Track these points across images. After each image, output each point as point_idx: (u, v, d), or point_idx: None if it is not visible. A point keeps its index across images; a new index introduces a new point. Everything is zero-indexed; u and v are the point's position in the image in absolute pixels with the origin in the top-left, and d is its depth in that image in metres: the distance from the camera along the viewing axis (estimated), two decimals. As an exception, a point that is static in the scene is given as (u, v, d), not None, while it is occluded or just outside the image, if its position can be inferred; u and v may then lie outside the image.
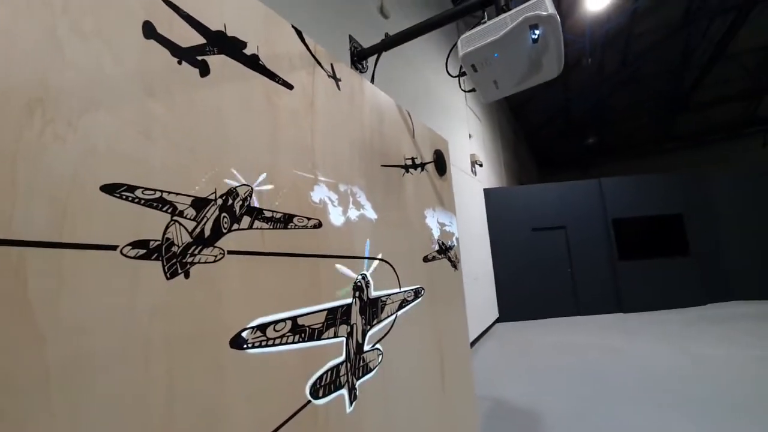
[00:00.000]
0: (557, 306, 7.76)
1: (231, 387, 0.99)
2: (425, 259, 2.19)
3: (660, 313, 7.44)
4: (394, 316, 1.77)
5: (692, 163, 16.17)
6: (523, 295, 7.75)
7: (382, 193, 1.86)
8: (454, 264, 2.62)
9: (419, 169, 2.30)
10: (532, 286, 7.80)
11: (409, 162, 2.19)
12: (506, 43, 1.73)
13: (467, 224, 6.49)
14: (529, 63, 1.82)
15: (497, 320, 7.54)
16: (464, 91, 2.87)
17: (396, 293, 1.82)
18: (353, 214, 1.60)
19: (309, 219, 1.36)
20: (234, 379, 1.01)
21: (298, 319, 1.25)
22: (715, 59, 10.49)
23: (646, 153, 17.34)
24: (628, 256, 7.78)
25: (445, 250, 2.48)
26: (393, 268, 1.83)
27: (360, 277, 1.58)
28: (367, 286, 1.61)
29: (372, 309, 1.62)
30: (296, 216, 1.31)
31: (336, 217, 1.49)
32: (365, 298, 1.58)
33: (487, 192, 8.00)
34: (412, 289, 1.96)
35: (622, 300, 7.64)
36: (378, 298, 1.67)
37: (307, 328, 1.28)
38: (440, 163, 2.61)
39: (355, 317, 1.51)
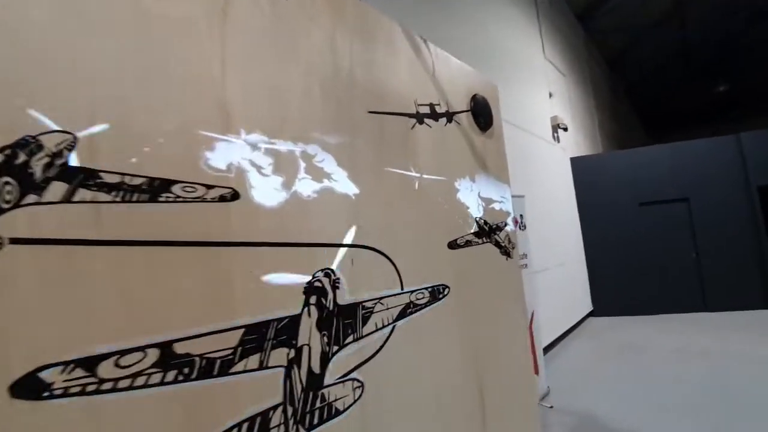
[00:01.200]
0: (674, 299, 6.22)
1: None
2: (453, 246, 1.56)
3: (835, 310, 5.48)
4: (388, 329, 1.21)
5: None
6: (626, 284, 6.37)
7: (371, 155, 1.29)
8: (506, 251, 1.93)
9: (444, 120, 1.66)
10: (637, 274, 6.36)
11: (426, 109, 1.57)
12: None
13: (548, 201, 5.46)
14: None
15: (590, 314, 6.35)
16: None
17: (393, 295, 1.25)
18: (309, 186, 1.07)
19: (209, 188, 0.88)
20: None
21: (177, 346, 0.79)
22: None
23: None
24: (782, 235, 5.85)
25: (489, 232, 1.81)
26: (389, 260, 1.27)
27: (320, 274, 1.06)
28: (335, 287, 1.08)
29: (344, 320, 1.09)
30: (179, 183, 0.83)
31: (267, 190, 0.98)
32: (329, 306, 1.06)
33: (576, 162, 6.71)
34: (424, 289, 1.38)
35: (772, 292, 5.80)
36: (357, 304, 1.14)
37: (199, 360, 0.81)
38: (482, 114, 1.91)
39: (308, 335, 1.00)
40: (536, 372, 3.47)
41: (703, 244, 6.20)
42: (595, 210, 6.65)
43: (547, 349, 4.46)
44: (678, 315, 6.11)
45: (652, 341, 4.86)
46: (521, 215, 3.87)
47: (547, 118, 5.89)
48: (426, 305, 1.37)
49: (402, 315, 1.26)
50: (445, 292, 1.46)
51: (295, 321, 0.98)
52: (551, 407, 3.24)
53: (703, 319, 5.76)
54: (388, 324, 1.21)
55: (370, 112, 1.32)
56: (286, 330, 0.96)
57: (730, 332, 4.94)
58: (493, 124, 2.00)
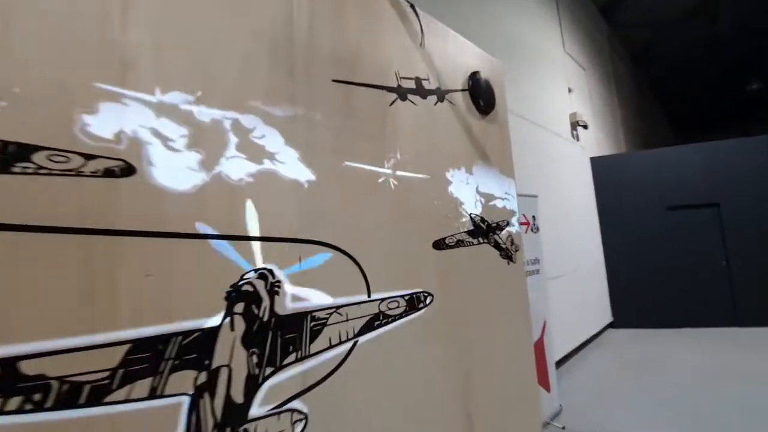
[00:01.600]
0: (703, 312, 5.75)
1: None
2: (439, 245, 1.32)
3: None
4: (346, 346, 0.98)
5: None
6: (649, 294, 5.93)
7: (334, 133, 1.06)
8: (508, 254, 1.67)
9: (433, 98, 1.42)
10: (662, 283, 5.92)
11: (410, 84, 1.33)
12: None
13: (565, 202, 5.12)
14: None
15: (609, 325, 5.94)
16: None
17: (356, 304, 1.02)
18: (241, 166, 0.86)
19: (88, 159, 0.67)
20: None
21: (25, 364, 0.58)
22: None
23: None
24: (827, 244, 5.32)
25: (486, 231, 1.56)
26: (353, 260, 1.04)
27: (253, 275, 0.83)
28: (273, 293, 0.86)
29: (284, 335, 0.87)
30: (44, 150, 0.63)
31: (177, 168, 0.76)
32: (263, 315, 0.84)
33: (596, 161, 6.32)
34: (399, 296, 1.14)
35: (814, 307, 5.28)
36: (304, 315, 0.91)
37: (57, 384, 0.60)
38: (482, 95, 1.66)
39: (228, 354, 0.78)
40: (547, 388, 3.17)
41: (735, 251, 5.72)
42: (616, 213, 6.24)
43: (560, 363, 4.13)
44: (706, 329, 5.64)
45: (676, 358, 4.46)
46: (534, 216, 3.58)
47: (565, 115, 5.55)
48: (401, 316, 1.13)
49: (367, 328, 1.03)
50: (427, 301, 1.22)
51: (209, 335, 0.76)
52: (563, 428, 2.94)
53: (734, 334, 5.29)
54: (348, 339, 0.98)
55: (335, 81, 1.09)
56: (196, 347, 0.74)
57: (764, 351, 4.49)
58: (495, 108, 1.74)
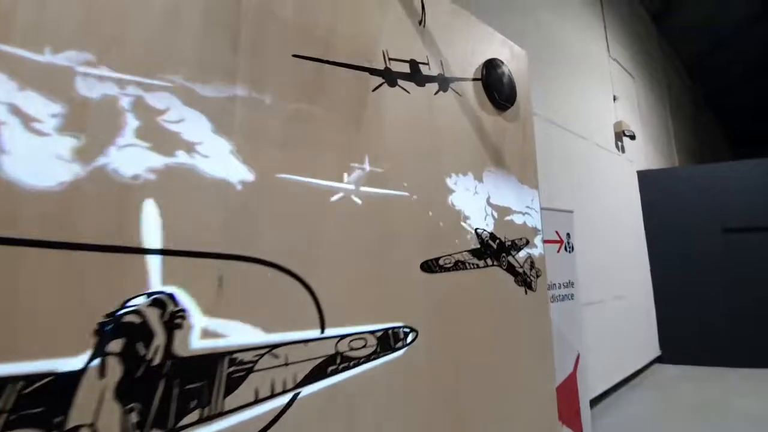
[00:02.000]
0: (770, 350, 5.00)
1: None
2: (430, 268, 1.05)
3: None
4: (282, 400, 0.74)
5: None
6: (705, 326, 5.23)
7: (287, 121, 0.84)
8: (525, 280, 1.37)
9: (433, 86, 1.17)
10: (720, 314, 5.20)
11: (402, 67, 1.09)
12: None
13: (606, 220, 4.63)
14: None
15: (657, 360, 5.28)
16: None
17: (301, 342, 0.78)
18: (138, 158, 0.65)
19: None
20: None
21: None
22: None
23: None
24: None
25: (498, 251, 1.28)
26: (301, 283, 0.80)
27: (142, 301, 0.62)
28: (172, 326, 0.64)
29: (184, 384, 0.64)
30: None
31: (40, 158, 0.56)
32: (153, 357, 0.62)
33: (644, 176, 5.74)
34: (368, 332, 0.88)
35: None
36: (219, 356, 0.68)
37: None
38: (498, 87, 1.39)
39: (92, 409, 0.56)
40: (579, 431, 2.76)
41: (814, 285, 4.93)
42: (667, 234, 5.62)
43: (595, 402, 3.64)
44: (775, 372, 4.86)
45: (736, 403, 3.82)
46: (568, 234, 3.21)
47: (609, 124, 5.08)
48: (369, 359, 0.87)
49: (317, 375, 0.78)
50: (409, 339, 0.95)
51: (67, 382, 0.55)
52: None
53: (812, 381, 4.51)
54: (285, 391, 0.74)
55: (296, 56, 0.87)
56: (45, 397, 0.53)
57: None
58: (517, 103, 1.46)
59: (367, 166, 0.94)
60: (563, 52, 4.21)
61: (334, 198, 0.87)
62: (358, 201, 0.90)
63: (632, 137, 5.30)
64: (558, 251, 3.03)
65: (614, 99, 5.22)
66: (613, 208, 4.83)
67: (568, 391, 2.75)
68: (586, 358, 3.09)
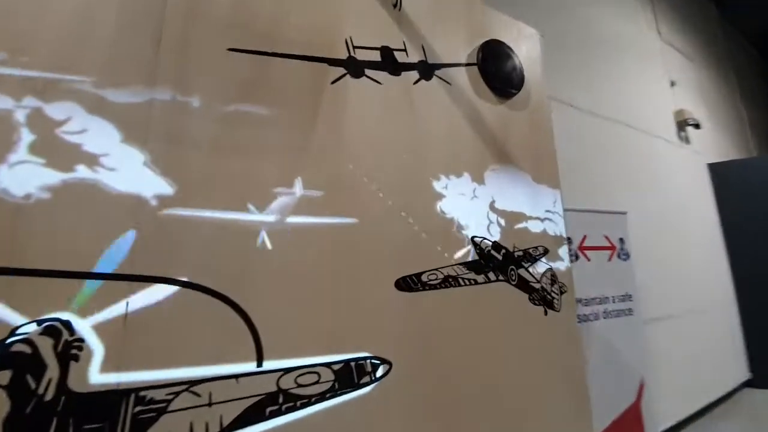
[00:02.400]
0: None
1: None
2: (407, 285, 0.88)
3: None
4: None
5: None
6: (812, 344, 4.38)
7: (220, 124, 0.74)
8: (545, 297, 1.14)
9: (413, 75, 1.02)
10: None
11: (371, 55, 0.96)
12: None
13: (671, 221, 4.06)
14: None
15: (746, 384, 4.49)
16: None
17: (228, 377, 0.65)
18: (30, 175, 0.57)
19: None
20: None
21: None
22: None
23: None
24: None
25: (504, 263, 1.07)
26: (234, 307, 0.67)
27: (33, 329, 0.53)
28: (67, 357, 0.54)
29: (85, 424, 0.54)
30: None
31: None
32: (44, 393, 0.52)
33: (716, 168, 5.03)
34: (321, 365, 0.74)
35: None
36: (123, 393, 0.57)
37: None
38: (498, 72, 1.20)
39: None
40: (645, 472, 2.35)
41: None
42: (749, 234, 4.85)
43: (669, 434, 3.12)
44: None
45: None
46: (621, 239, 2.84)
47: (668, 113, 4.53)
48: (324, 398, 0.72)
49: (251, 418, 0.65)
50: (379, 373, 0.79)
51: None
52: None
53: None
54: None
55: (232, 50, 0.77)
56: None
57: None
58: (526, 89, 1.26)
59: (316, 172, 0.81)
60: (605, 35, 3.83)
61: (274, 213, 0.74)
62: (309, 213, 0.77)
63: (697, 126, 4.67)
64: (609, 259, 2.68)
65: (672, 84, 4.65)
66: (680, 206, 4.23)
67: (630, 425, 2.37)
68: (653, 384, 2.66)
